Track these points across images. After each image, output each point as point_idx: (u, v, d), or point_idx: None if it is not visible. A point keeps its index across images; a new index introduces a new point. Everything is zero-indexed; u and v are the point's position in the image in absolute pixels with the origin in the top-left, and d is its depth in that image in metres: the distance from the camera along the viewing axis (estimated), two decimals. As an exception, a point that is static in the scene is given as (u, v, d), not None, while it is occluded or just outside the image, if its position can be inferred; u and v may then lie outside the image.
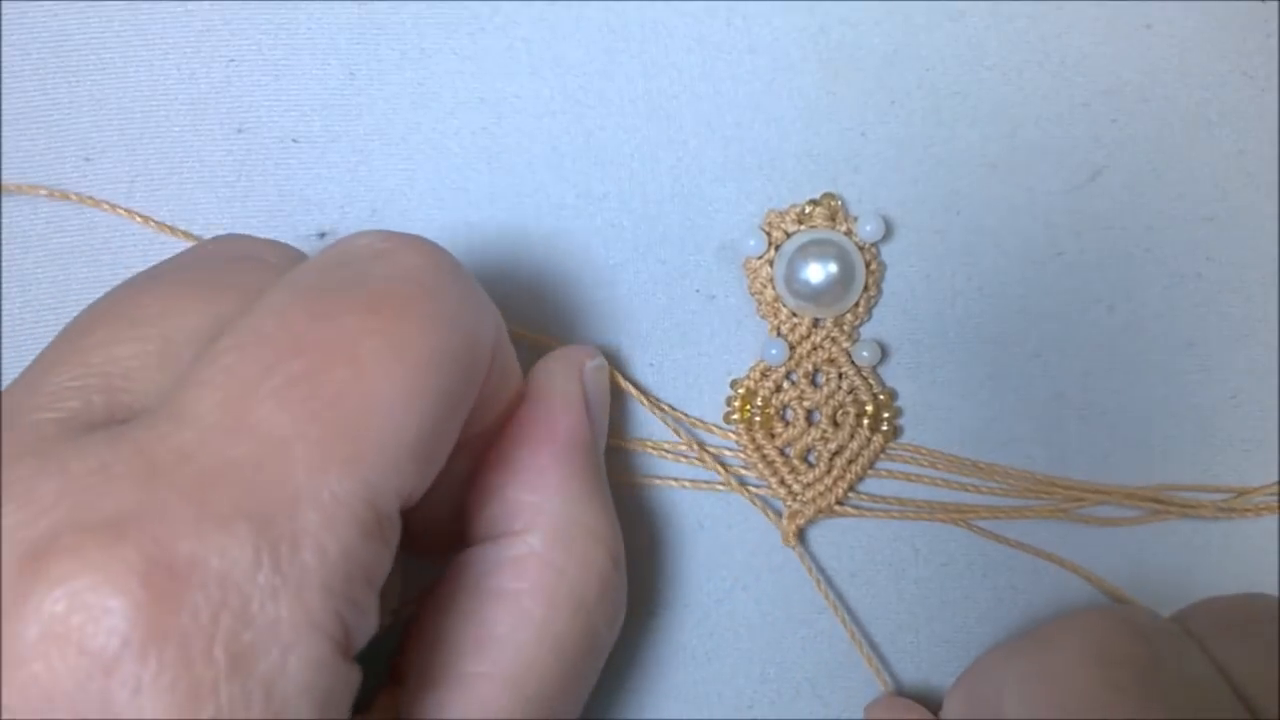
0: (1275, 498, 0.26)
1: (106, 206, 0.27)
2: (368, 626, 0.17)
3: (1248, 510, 0.26)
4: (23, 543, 0.15)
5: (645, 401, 0.26)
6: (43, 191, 0.26)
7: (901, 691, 0.26)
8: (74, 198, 0.27)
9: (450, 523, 0.22)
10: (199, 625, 0.15)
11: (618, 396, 0.26)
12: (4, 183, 0.26)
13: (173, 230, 0.26)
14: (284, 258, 0.21)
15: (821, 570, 0.26)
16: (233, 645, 0.15)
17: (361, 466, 0.16)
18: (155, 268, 0.21)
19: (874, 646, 0.26)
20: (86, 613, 0.15)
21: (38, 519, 0.15)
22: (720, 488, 0.26)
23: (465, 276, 0.20)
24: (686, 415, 0.26)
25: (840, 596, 0.26)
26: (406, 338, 0.17)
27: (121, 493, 0.15)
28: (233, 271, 0.20)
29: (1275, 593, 0.26)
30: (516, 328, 0.26)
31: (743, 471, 0.26)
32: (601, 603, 0.21)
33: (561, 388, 0.23)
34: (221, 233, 0.24)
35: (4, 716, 0.15)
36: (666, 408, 0.26)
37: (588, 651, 0.21)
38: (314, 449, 0.16)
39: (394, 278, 0.18)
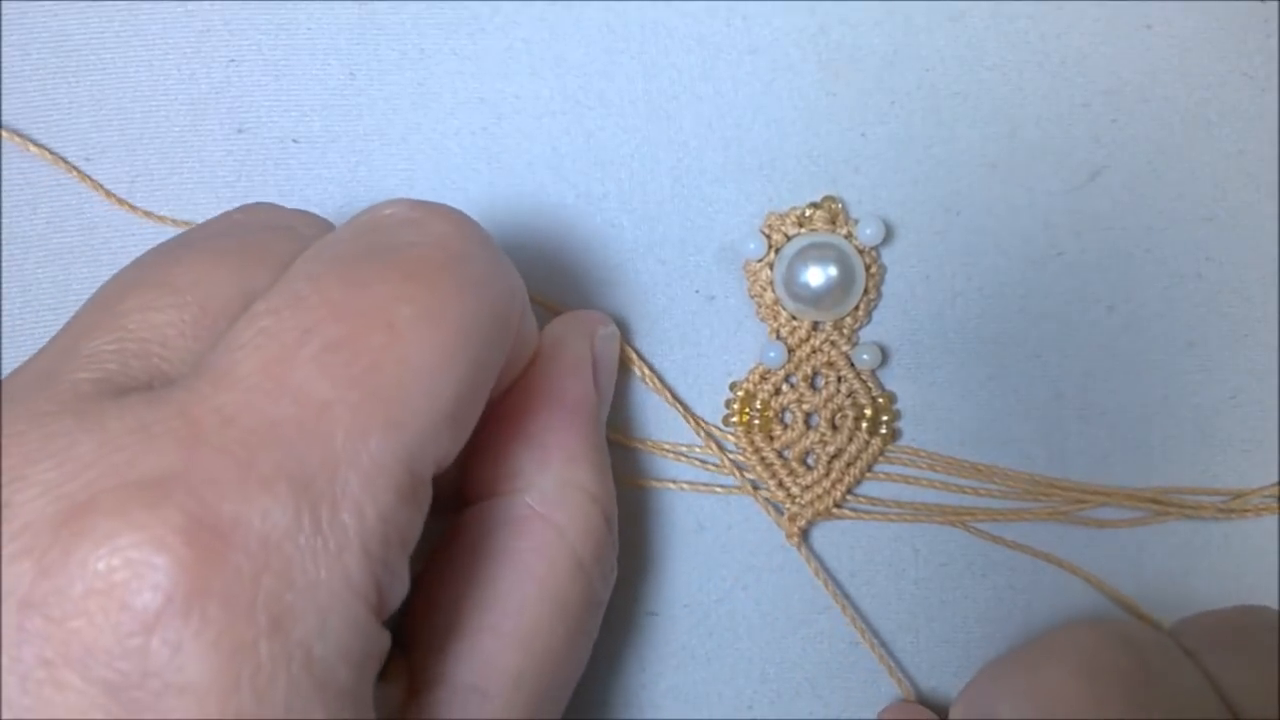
0: (1275, 499, 0.26)
1: (102, 192, 0.27)
2: (400, 590, 0.17)
3: (1247, 511, 0.26)
4: (63, 499, 0.15)
5: (658, 388, 0.26)
6: (37, 149, 0.26)
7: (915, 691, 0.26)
8: (76, 173, 0.27)
9: (454, 479, 0.22)
10: (241, 585, 0.15)
11: (622, 396, 0.26)
12: (4, 132, 0.26)
13: (174, 223, 0.26)
14: (313, 227, 0.21)
15: (826, 573, 0.26)
16: (273, 606, 0.15)
17: (400, 431, 0.17)
18: (186, 235, 0.21)
19: (877, 647, 0.26)
20: (131, 570, 0.15)
21: (77, 475, 0.15)
22: (720, 490, 0.26)
23: (492, 244, 0.20)
24: (691, 414, 0.26)
25: (841, 596, 0.26)
26: (440, 304, 0.18)
27: (163, 452, 0.16)
28: (264, 240, 0.20)
29: (1275, 593, 0.26)
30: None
31: (743, 473, 0.26)
32: (597, 560, 0.22)
33: (571, 351, 0.23)
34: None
35: (43, 672, 0.15)
36: (672, 400, 0.26)
37: (587, 607, 0.22)
38: (353, 413, 0.16)
39: (425, 244, 0.18)
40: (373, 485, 0.16)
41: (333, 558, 0.16)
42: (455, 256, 0.18)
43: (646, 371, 0.26)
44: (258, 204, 0.23)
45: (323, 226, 0.22)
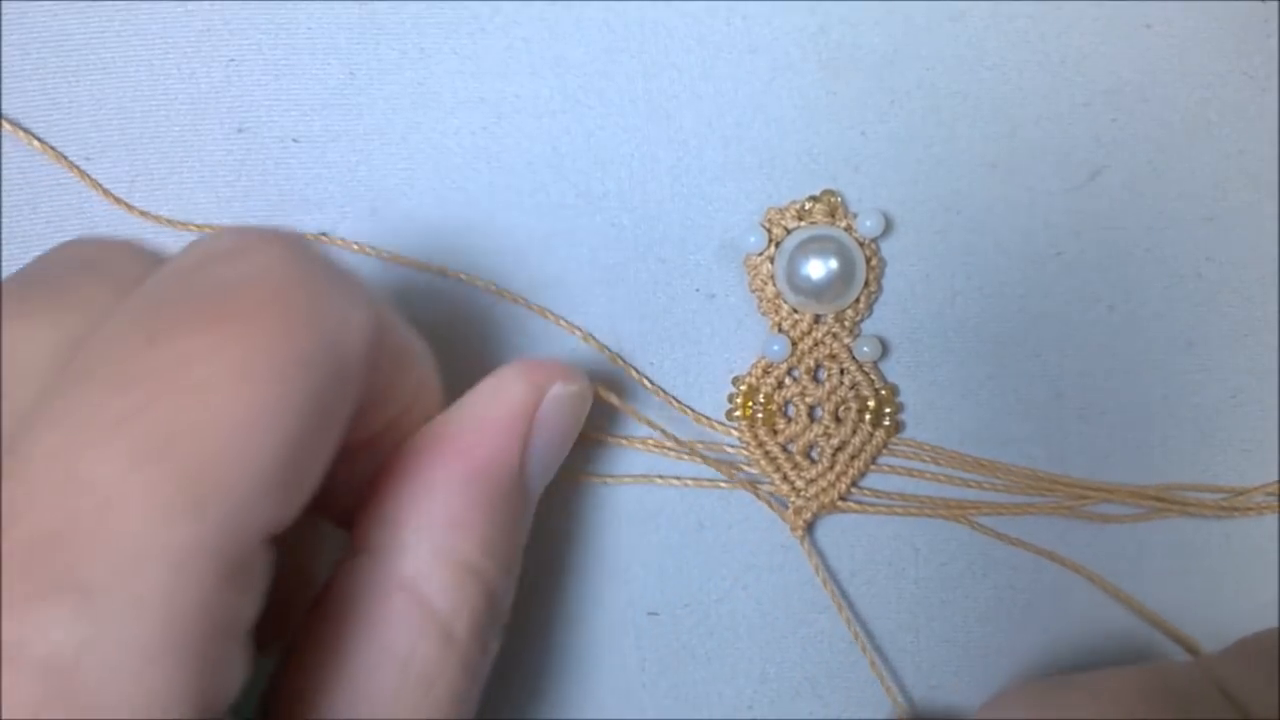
0: (1275, 497, 0.26)
1: (100, 191, 0.27)
2: (236, 677, 0.16)
3: (1249, 509, 0.26)
4: None
5: (663, 397, 0.26)
6: (40, 145, 0.26)
7: (904, 692, 0.26)
8: (76, 172, 0.27)
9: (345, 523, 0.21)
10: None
11: (615, 387, 0.26)
12: (6, 126, 0.26)
13: (170, 223, 0.26)
14: (137, 264, 0.19)
15: (826, 570, 0.26)
16: None
17: (210, 509, 0.15)
18: None
19: (876, 648, 0.26)
20: None
21: None
22: (724, 485, 0.26)
23: (326, 268, 0.18)
24: (692, 410, 0.26)
25: (841, 596, 0.26)
26: (254, 351, 0.16)
27: None
28: (77, 286, 0.18)
29: (1275, 593, 0.26)
30: (518, 307, 0.26)
31: (745, 468, 0.26)
32: (474, 633, 0.20)
33: (504, 406, 0.21)
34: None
35: None
36: (675, 403, 0.26)
37: (462, 679, 0.19)
38: (151, 497, 0.14)
39: (241, 282, 0.16)
40: (182, 577, 0.14)
41: (137, 670, 0.14)
42: (275, 292, 0.16)
43: (650, 386, 0.26)
44: (78, 241, 0.20)
45: (148, 262, 0.19)
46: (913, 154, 0.26)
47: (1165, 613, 0.26)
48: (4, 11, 0.27)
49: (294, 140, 0.27)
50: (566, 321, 0.26)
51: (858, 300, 0.26)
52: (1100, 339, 0.26)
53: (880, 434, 0.26)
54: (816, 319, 0.26)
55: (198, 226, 0.26)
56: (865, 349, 0.26)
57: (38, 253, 0.26)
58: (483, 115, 0.27)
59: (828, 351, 0.26)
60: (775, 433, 0.26)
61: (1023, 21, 0.26)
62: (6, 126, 0.26)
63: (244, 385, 0.15)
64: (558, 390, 0.22)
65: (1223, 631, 0.25)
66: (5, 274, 0.26)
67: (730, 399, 0.26)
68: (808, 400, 0.26)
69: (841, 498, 0.26)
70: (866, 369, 0.26)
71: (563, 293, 0.26)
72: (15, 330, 0.17)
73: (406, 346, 0.20)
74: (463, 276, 0.26)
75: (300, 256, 0.17)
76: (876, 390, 0.26)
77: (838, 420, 0.26)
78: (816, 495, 0.26)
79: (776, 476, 0.26)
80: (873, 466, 0.26)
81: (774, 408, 0.26)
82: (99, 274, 0.18)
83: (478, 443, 0.20)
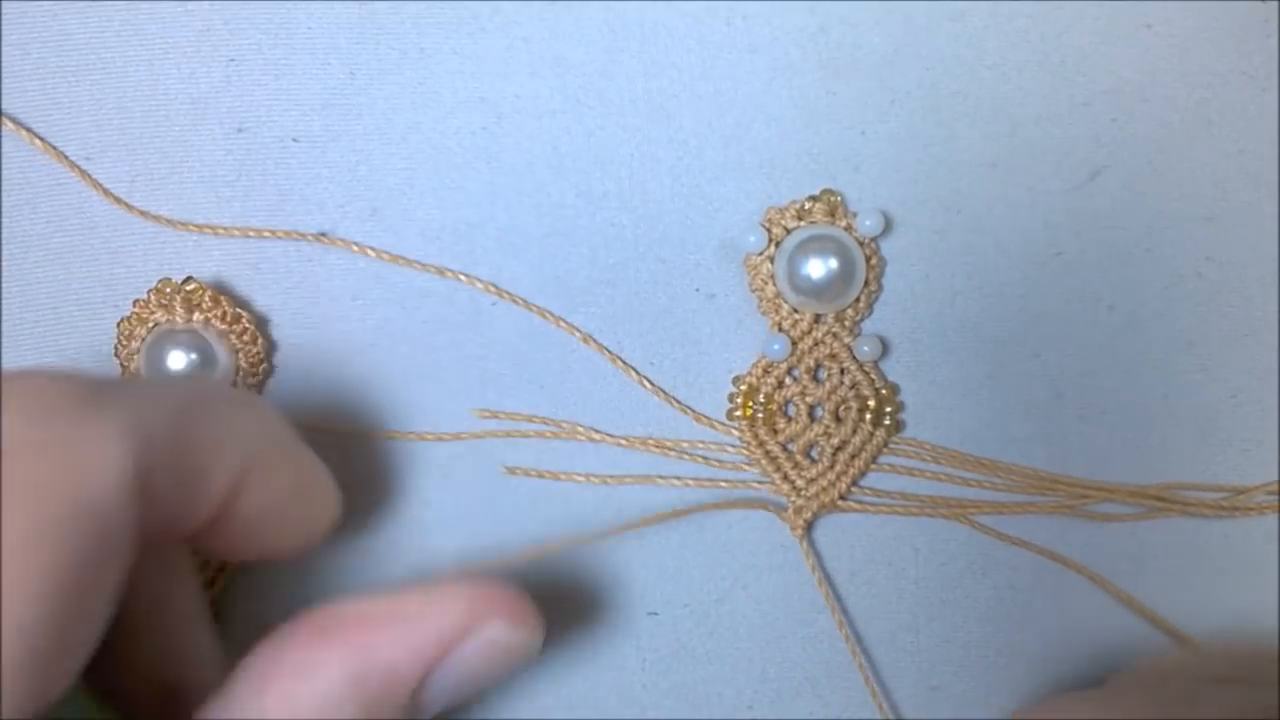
0: (1275, 496, 0.26)
1: (100, 191, 0.27)
2: None
3: (1249, 509, 0.26)
4: None
5: (664, 397, 0.26)
6: (43, 144, 0.26)
7: (904, 692, 0.26)
8: (77, 172, 0.27)
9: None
10: None
11: (615, 387, 0.26)
12: (7, 124, 0.26)
13: (170, 223, 0.26)
14: None
15: (822, 571, 0.26)
16: None
17: None
18: None
19: (868, 652, 0.26)
20: None
21: None
22: (724, 484, 0.26)
23: (68, 414, 0.16)
24: (692, 410, 0.26)
25: (840, 597, 0.26)
26: None
27: None
28: None
29: (1275, 592, 0.26)
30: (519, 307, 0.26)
31: (745, 468, 0.26)
32: None
33: (426, 619, 0.19)
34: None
35: None
36: (675, 403, 0.26)
37: None
38: None
39: None
40: None
41: None
42: (6, 457, 0.15)
43: (648, 383, 0.26)
44: None
45: None
46: (913, 154, 0.26)
47: (1165, 613, 0.26)
48: (4, 11, 0.27)
49: (294, 140, 0.27)
50: (566, 322, 0.26)
51: (858, 300, 0.26)
52: (1100, 339, 0.26)
53: (880, 433, 0.26)
54: (817, 318, 0.26)
55: (197, 227, 0.26)
56: (865, 348, 0.26)
57: (38, 252, 0.27)
58: (483, 115, 0.27)
59: (828, 351, 0.26)
60: (775, 432, 0.26)
61: (1023, 21, 0.26)
62: (7, 125, 0.26)
63: None
64: (494, 633, 0.19)
65: (1223, 632, 0.25)
66: (5, 275, 0.26)
67: (730, 399, 0.26)
68: (808, 400, 0.26)
69: (842, 497, 0.26)
70: (867, 368, 0.26)
71: (563, 293, 0.26)
72: None
73: (209, 441, 0.18)
74: (462, 277, 0.26)
75: (33, 413, 0.16)
76: (877, 390, 0.26)
77: (838, 420, 0.26)
78: (817, 495, 0.26)
79: (777, 476, 0.26)
80: (873, 466, 0.26)
81: (774, 407, 0.26)
82: None
83: (380, 644, 0.18)
